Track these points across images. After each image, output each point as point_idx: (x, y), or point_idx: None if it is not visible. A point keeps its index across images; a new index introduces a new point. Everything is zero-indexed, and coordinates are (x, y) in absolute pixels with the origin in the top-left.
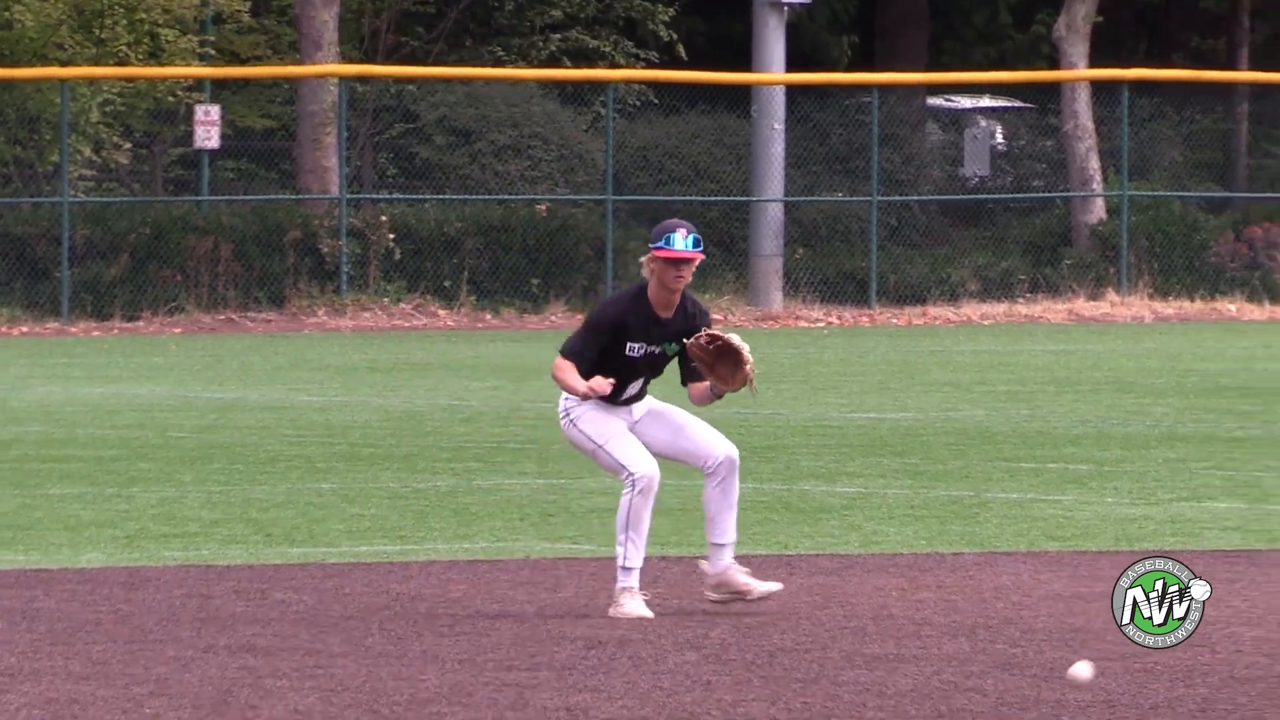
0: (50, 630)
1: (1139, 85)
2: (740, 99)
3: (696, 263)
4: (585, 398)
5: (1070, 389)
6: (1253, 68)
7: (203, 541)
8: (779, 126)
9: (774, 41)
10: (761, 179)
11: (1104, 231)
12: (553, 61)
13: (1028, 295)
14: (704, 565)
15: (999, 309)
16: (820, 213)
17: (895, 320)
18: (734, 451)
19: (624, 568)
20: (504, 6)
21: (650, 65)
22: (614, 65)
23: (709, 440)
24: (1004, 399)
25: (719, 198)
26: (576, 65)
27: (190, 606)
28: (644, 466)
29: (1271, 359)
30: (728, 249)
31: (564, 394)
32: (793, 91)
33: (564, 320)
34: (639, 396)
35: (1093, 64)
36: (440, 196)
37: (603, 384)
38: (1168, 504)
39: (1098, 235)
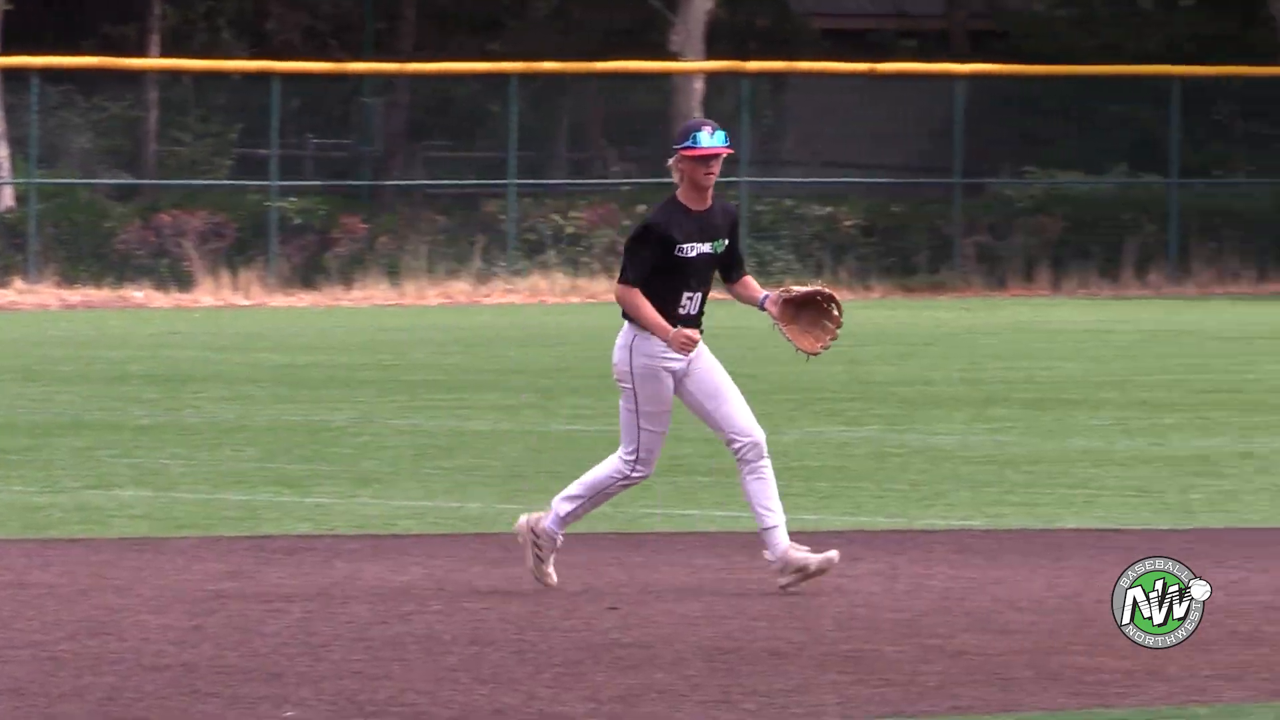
0: None
1: (49, 73)
2: None
3: (723, 157)
4: (672, 345)
5: None
6: (163, 54)
7: None
8: None
9: None
10: None
11: (12, 220)
12: None
13: None
14: (766, 555)
15: None
16: None
17: None
18: (761, 435)
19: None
20: None
21: None
22: None
23: (742, 417)
24: None
25: None
26: None
27: None
28: (649, 466)
29: (177, 346)
30: None
31: (628, 324)
32: None
33: None
34: (698, 318)
35: (7, 52)
36: None
37: (692, 334)
38: (75, 492)
39: (5, 223)
